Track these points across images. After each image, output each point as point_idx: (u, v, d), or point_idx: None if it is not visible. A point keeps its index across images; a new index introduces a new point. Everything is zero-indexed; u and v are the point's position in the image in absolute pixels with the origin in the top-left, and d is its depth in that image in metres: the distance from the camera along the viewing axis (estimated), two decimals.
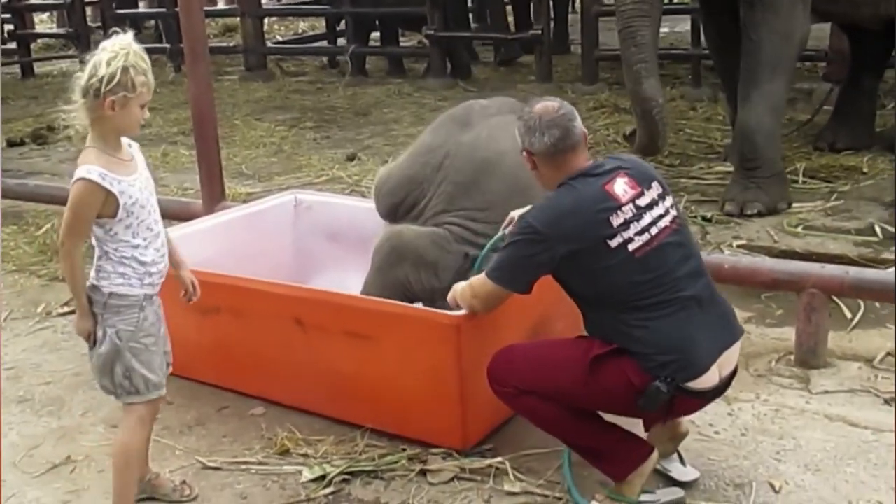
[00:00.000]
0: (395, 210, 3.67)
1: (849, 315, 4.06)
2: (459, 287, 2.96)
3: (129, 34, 2.62)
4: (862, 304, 4.10)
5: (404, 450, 3.15)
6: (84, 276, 2.69)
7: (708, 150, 6.82)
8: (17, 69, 12.39)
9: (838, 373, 3.60)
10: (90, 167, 2.59)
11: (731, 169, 6.08)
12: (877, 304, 4.10)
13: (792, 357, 3.71)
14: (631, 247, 2.63)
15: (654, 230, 2.67)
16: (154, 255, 2.74)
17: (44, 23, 16.64)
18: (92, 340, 2.72)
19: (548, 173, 2.78)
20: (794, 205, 5.44)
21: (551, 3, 9.79)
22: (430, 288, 3.41)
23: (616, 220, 2.64)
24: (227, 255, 4.01)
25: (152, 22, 13.90)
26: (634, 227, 2.65)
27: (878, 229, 5.06)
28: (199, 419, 3.51)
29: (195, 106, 4.60)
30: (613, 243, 2.63)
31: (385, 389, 3.18)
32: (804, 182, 5.90)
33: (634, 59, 4.99)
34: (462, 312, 2.95)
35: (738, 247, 4.87)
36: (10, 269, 5.21)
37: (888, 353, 3.70)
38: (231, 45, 11.90)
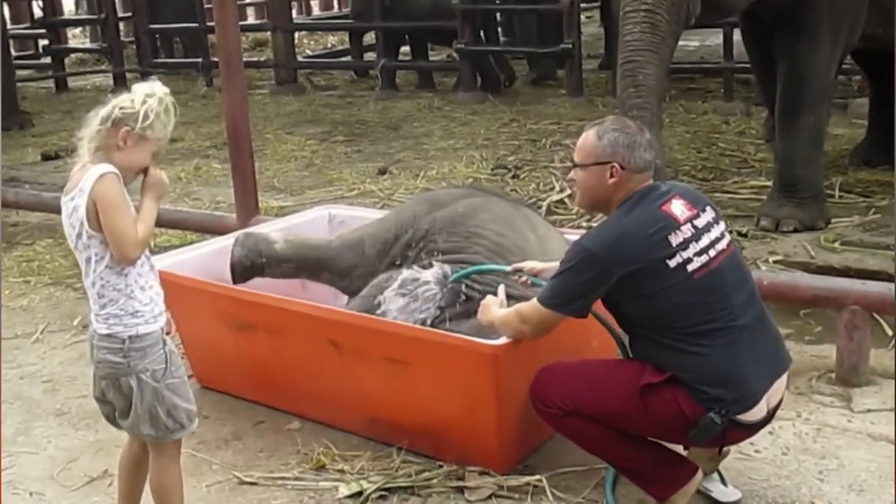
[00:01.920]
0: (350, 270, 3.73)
1: (889, 332, 4.00)
2: (500, 313, 2.90)
3: (166, 87, 2.59)
4: None
5: (441, 466, 3.12)
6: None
7: (742, 164, 6.76)
8: (51, 83, 12.54)
9: (880, 391, 3.55)
10: (104, 165, 2.47)
11: (766, 183, 6.06)
12: None
13: (833, 375, 3.66)
14: (690, 267, 2.61)
15: (712, 252, 2.65)
16: (155, 283, 2.62)
17: (77, 38, 16.86)
18: (119, 399, 2.59)
19: (623, 190, 2.73)
20: (832, 220, 5.38)
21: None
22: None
23: (675, 240, 2.62)
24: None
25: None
26: (693, 248, 2.62)
27: None
28: (235, 433, 3.51)
29: (230, 120, 4.63)
30: (672, 263, 2.60)
31: (421, 415, 3.16)
32: (840, 197, 5.83)
33: (630, 102, 4.32)
34: (501, 341, 2.91)
35: (775, 262, 4.80)
36: (46, 283, 5.26)
37: None
38: (262, 59, 11.98)
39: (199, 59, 11.55)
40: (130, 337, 2.53)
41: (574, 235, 4.04)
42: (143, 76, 11.81)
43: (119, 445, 3.40)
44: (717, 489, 2.94)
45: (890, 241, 5.11)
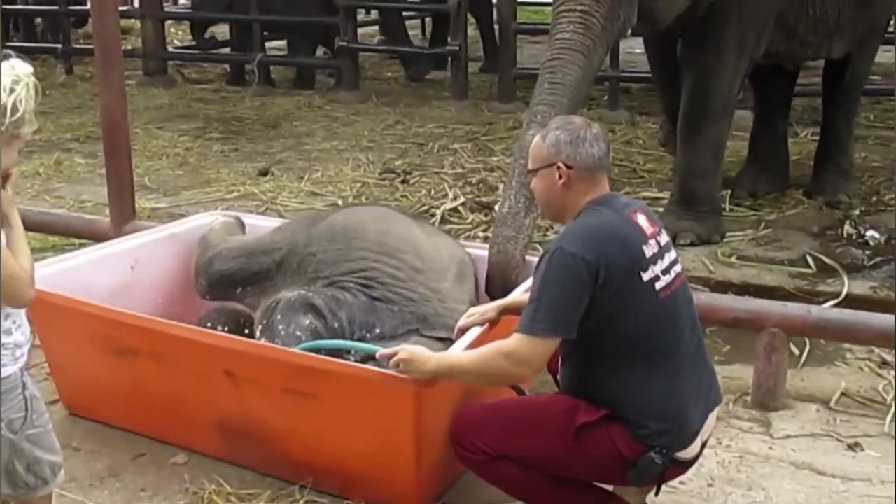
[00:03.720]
0: (226, 283, 3.51)
1: (797, 353, 3.95)
2: (462, 360, 2.54)
3: (29, 65, 2.14)
4: (808, 341, 4.00)
5: None
6: None
7: (632, 174, 6.72)
8: None
9: (797, 415, 3.47)
10: None
11: (659, 194, 6.03)
12: (822, 342, 4.01)
13: (748, 398, 3.57)
14: (657, 285, 2.42)
15: (672, 273, 2.48)
16: (21, 319, 2.21)
17: None
18: None
19: (578, 191, 2.50)
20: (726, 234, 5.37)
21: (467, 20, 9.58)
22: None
23: (647, 251, 2.43)
24: (145, 283, 3.64)
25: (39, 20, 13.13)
26: (660, 265, 2.44)
27: (810, 261, 5.01)
28: (111, 469, 3.12)
29: (106, 116, 4.20)
30: (645, 276, 2.40)
31: (328, 452, 2.86)
32: (731, 210, 5.86)
33: (539, 98, 3.88)
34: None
35: None
36: None
37: (843, 394, 3.61)
38: (129, 48, 11.30)
39: (59, 45, 10.81)
40: None
41: (470, 247, 3.83)
42: None
43: None
44: None
45: (783, 255, 5.15)
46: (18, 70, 2.10)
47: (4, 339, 2.13)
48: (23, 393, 2.18)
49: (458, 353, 2.64)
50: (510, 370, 2.45)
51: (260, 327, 3.17)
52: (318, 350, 2.90)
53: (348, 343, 3.01)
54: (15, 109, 2.06)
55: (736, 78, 5.02)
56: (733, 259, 5.04)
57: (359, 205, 4.05)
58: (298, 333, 3.04)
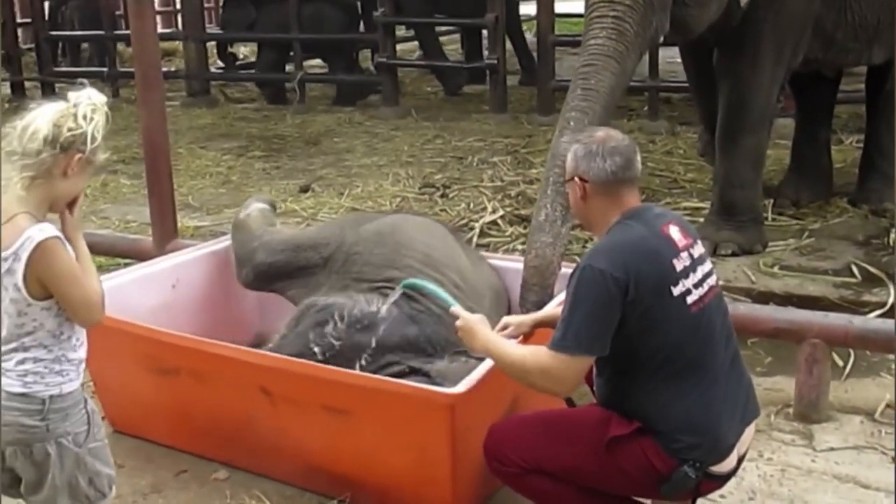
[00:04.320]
0: (272, 275, 3.54)
1: (841, 363, 3.89)
2: (512, 354, 2.52)
3: (102, 94, 2.23)
4: (852, 352, 3.94)
5: None
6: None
7: (672, 184, 6.68)
8: None
9: (841, 427, 3.42)
10: (41, 226, 2.12)
11: (700, 204, 5.99)
12: (867, 353, 3.94)
13: (790, 410, 3.52)
14: (689, 299, 2.40)
15: (705, 286, 2.45)
16: (84, 336, 2.30)
17: None
18: (28, 470, 2.22)
19: (598, 206, 2.50)
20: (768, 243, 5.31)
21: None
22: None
23: (678, 265, 2.40)
24: (186, 301, 3.70)
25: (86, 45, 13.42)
26: (692, 278, 2.42)
27: (855, 270, 4.93)
28: (155, 485, 3.17)
29: (147, 136, 4.28)
30: (676, 291, 2.38)
31: (365, 467, 2.87)
32: (773, 219, 5.79)
33: (571, 104, 3.79)
34: (457, 389, 2.64)
35: None
36: None
37: (888, 406, 3.55)
38: (172, 69, 11.51)
39: (105, 69, 11.03)
40: (51, 397, 2.19)
41: (505, 261, 3.85)
42: (44, 85, 11.25)
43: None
44: None
45: (827, 265, 5.07)
46: (95, 99, 2.20)
47: (71, 356, 2.22)
48: (85, 407, 2.27)
49: (509, 346, 2.58)
50: (545, 386, 2.45)
51: (286, 328, 3.20)
52: (413, 287, 3.00)
53: (437, 290, 3.07)
54: (94, 137, 2.16)
55: (773, 87, 4.97)
56: (776, 269, 4.97)
57: (409, 213, 4.06)
58: (327, 340, 3.08)
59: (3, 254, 2.11)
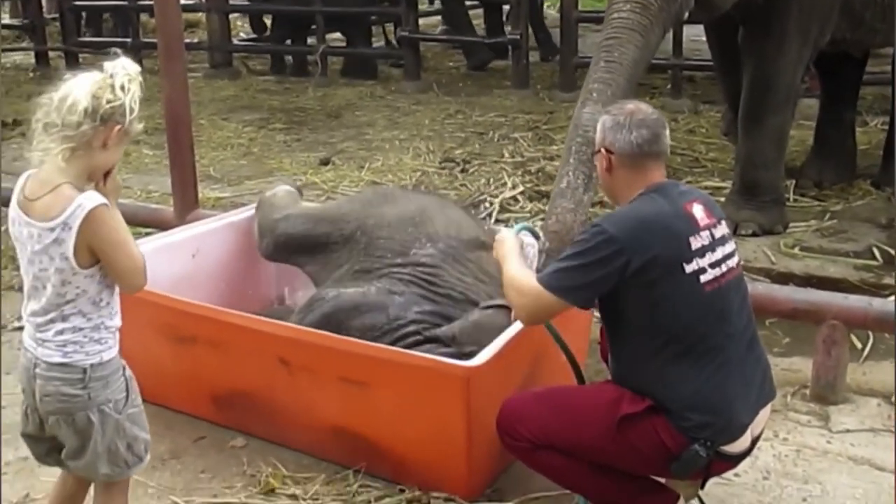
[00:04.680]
0: (291, 247, 3.55)
1: (859, 346, 3.88)
2: (512, 266, 2.60)
3: (136, 64, 2.23)
4: (871, 334, 3.92)
5: (402, 491, 2.88)
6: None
7: (694, 163, 6.64)
8: None
9: (857, 409, 3.42)
10: (88, 194, 2.14)
11: (721, 184, 5.95)
12: (886, 335, 3.92)
13: (807, 391, 3.52)
14: (703, 278, 2.39)
15: (724, 267, 2.44)
16: (119, 307, 2.33)
17: None
18: (71, 437, 2.26)
19: (623, 178, 2.51)
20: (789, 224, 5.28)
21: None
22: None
23: (694, 244, 2.40)
24: (206, 270, 3.73)
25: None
26: (709, 258, 2.41)
27: (876, 253, 4.90)
28: (173, 451, 3.21)
29: (169, 107, 4.29)
30: (688, 268, 2.38)
31: (381, 438, 2.90)
32: (795, 200, 5.75)
33: (595, 76, 3.77)
34: (472, 362, 2.67)
35: None
36: None
37: None
38: (195, 41, 11.51)
39: (129, 39, 11.03)
40: (92, 365, 2.22)
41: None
42: (67, 55, 11.28)
43: (43, 467, 3.10)
44: None
45: (848, 247, 5.04)
46: (130, 69, 2.20)
47: (108, 323, 2.26)
48: (123, 374, 2.30)
49: (516, 263, 2.62)
50: (516, 304, 2.55)
51: (301, 311, 3.23)
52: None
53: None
54: (132, 108, 2.17)
55: (799, 67, 4.92)
56: (796, 250, 4.95)
57: (430, 192, 4.05)
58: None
59: (51, 224, 2.12)
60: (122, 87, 2.15)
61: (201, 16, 11.28)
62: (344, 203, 3.66)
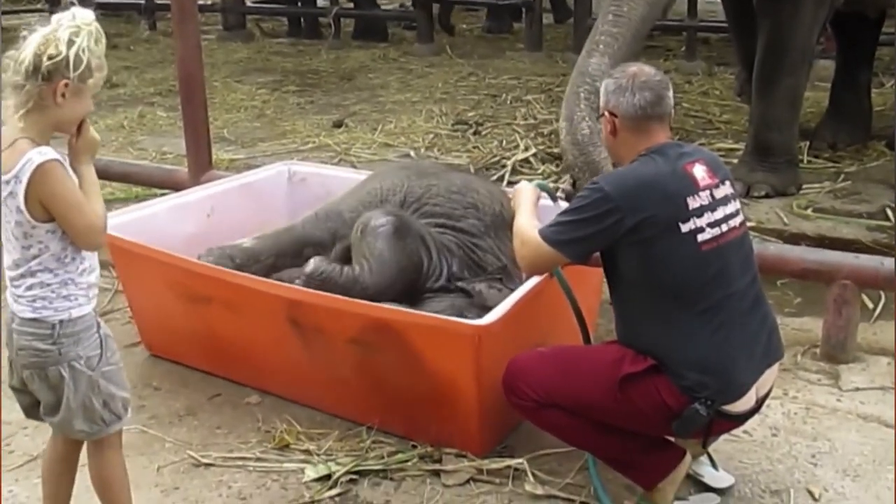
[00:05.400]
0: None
1: (871, 306, 3.88)
2: (523, 216, 2.70)
3: (90, 11, 2.16)
4: (883, 294, 3.92)
5: (415, 447, 2.92)
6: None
7: (707, 125, 6.63)
8: None
9: (867, 368, 3.42)
10: (41, 149, 2.10)
11: (734, 146, 5.94)
12: None
13: (817, 350, 3.53)
14: (700, 237, 2.40)
15: (724, 227, 2.44)
16: (94, 262, 2.28)
17: None
18: (45, 392, 2.25)
19: (627, 140, 2.52)
20: (802, 186, 5.27)
21: None
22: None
23: (692, 203, 2.41)
24: (220, 230, 3.75)
25: None
26: (707, 217, 2.42)
27: (890, 213, 4.89)
28: (189, 408, 3.26)
29: (182, 68, 4.30)
30: (685, 228, 2.39)
31: (393, 395, 2.93)
32: (809, 162, 5.74)
33: (602, 29, 3.79)
34: (482, 321, 2.70)
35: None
36: None
37: None
38: (209, 2, 11.48)
39: (142, 1, 11.03)
40: (61, 321, 2.20)
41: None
42: None
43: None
44: (708, 473, 2.79)
45: (861, 208, 5.03)
46: (79, 19, 2.13)
47: (78, 280, 2.22)
48: (98, 332, 2.27)
49: (527, 215, 2.72)
50: (519, 250, 2.65)
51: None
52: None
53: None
54: (78, 61, 2.09)
55: (814, 27, 4.88)
56: (809, 211, 4.95)
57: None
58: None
59: (5, 177, 2.12)
60: (67, 42, 2.09)
61: None
62: (385, 175, 3.70)
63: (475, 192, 3.51)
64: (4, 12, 12.33)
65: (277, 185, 4.13)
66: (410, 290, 3.22)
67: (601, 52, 3.59)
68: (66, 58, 2.08)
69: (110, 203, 5.28)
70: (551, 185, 3.30)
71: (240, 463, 2.93)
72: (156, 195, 4.58)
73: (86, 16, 2.14)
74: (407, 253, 3.21)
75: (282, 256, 3.50)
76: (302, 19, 10.82)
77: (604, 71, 3.46)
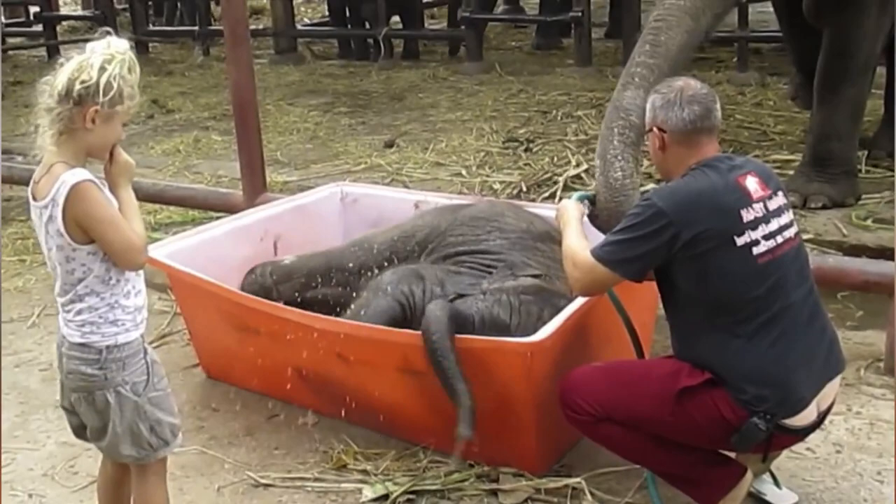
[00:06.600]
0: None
1: None
2: (572, 236, 2.65)
3: (125, 40, 2.24)
4: None
5: (472, 467, 2.92)
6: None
7: (762, 136, 6.52)
8: (43, 51, 12.19)
9: None
10: (74, 171, 2.15)
11: (790, 157, 5.84)
12: None
13: (881, 364, 3.46)
14: (756, 250, 2.38)
15: (779, 238, 2.42)
16: (140, 284, 2.32)
17: (68, 4, 16.46)
18: (91, 416, 2.30)
19: (677, 154, 2.52)
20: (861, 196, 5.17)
21: None
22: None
23: (746, 216, 2.39)
24: (274, 252, 3.81)
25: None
26: (762, 230, 2.40)
27: None
28: (248, 429, 3.30)
29: (236, 92, 4.38)
30: (740, 241, 2.37)
31: (448, 417, 2.88)
32: (867, 172, 5.63)
33: (637, 59, 3.49)
34: (535, 338, 2.69)
35: (806, 241, 4.59)
36: (42, 261, 5.01)
37: None
38: (260, 27, 11.66)
39: (196, 28, 11.23)
40: (108, 347, 2.24)
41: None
42: (138, 45, 11.51)
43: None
44: (770, 492, 2.75)
45: None
46: (113, 47, 2.20)
47: (124, 303, 2.26)
48: (144, 358, 2.30)
49: (576, 234, 2.67)
50: (571, 276, 2.59)
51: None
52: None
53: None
54: (109, 87, 2.15)
55: (878, 35, 4.78)
56: (868, 222, 4.84)
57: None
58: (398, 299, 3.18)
59: (45, 202, 2.17)
60: (100, 68, 2.15)
61: (266, 2, 11.40)
62: (425, 213, 3.77)
63: (500, 216, 3.53)
64: (64, 42, 12.67)
65: (330, 206, 4.17)
66: None
67: (636, 86, 3.49)
68: (97, 83, 2.15)
69: (167, 227, 5.39)
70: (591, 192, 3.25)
71: (298, 483, 2.96)
72: (212, 218, 4.66)
73: (120, 45, 2.22)
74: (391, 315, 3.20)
75: (312, 277, 3.59)
76: (352, 41, 10.92)
77: (639, 105, 3.36)
